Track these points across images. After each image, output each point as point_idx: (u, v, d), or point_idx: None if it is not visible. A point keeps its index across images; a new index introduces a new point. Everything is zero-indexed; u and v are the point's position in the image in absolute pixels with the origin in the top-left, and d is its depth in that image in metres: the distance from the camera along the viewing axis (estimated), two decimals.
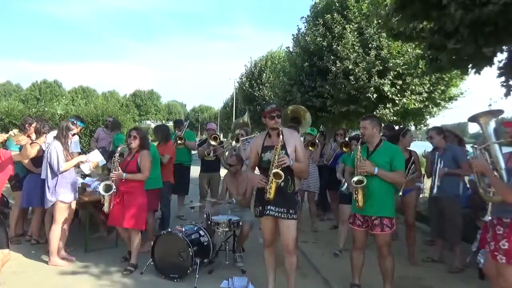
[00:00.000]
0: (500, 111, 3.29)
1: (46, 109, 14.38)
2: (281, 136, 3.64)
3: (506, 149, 3.27)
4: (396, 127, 11.57)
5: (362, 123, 3.98)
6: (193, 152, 7.53)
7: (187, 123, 7.61)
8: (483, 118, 3.19)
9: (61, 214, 4.70)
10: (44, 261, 4.82)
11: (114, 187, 4.51)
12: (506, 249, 2.98)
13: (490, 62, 4.64)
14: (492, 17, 3.83)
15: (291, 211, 3.67)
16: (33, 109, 13.66)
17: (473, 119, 3.29)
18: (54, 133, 5.29)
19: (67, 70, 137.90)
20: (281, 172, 3.52)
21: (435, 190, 4.79)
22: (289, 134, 3.76)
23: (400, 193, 4.66)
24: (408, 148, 5.54)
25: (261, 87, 26.77)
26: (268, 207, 3.70)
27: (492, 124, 3.16)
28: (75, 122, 5.37)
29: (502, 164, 3.07)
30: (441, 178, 4.78)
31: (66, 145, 4.79)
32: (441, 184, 4.78)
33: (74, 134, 5.03)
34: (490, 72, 4.77)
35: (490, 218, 3.18)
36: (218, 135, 6.78)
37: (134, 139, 4.67)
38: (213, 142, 6.57)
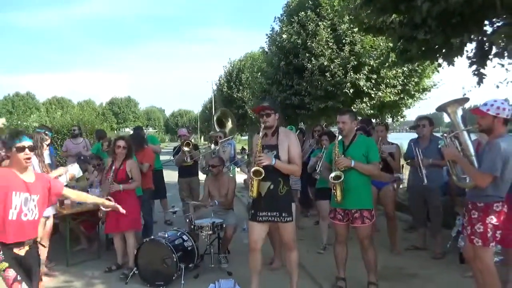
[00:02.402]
0: (466, 99, 3.40)
1: (19, 122, 13.99)
2: (260, 134, 3.66)
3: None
4: (374, 121, 11.77)
5: (341, 118, 3.94)
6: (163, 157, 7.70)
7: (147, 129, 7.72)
8: (450, 107, 3.29)
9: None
10: None
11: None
12: (481, 232, 3.07)
13: (460, 52, 4.75)
14: (458, 8, 3.92)
15: (284, 214, 3.63)
16: (6, 123, 13.27)
17: (441, 108, 3.39)
18: None
19: (40, 81, 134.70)
20: (261, 170, 3.51)
21: (425, 181, 4.75)
22: (283, 135, 3.73)
23: None
24: (386, 139, 5.64)
25: (240, 88, 26.75)
26: (260, 213, 3.68)
27: (459, 112, 3.25)
28: (46, 132, 5.26)
29: (472, 151, 3.17)
30: (425, 168, 4.84)
31: (42, 157, 4.71)
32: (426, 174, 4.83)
33: (48, 145, 4.95)
34: (463, 62, 4.88)
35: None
36: (190, 141, 6.75)
37: (123, 149, 4.84)
38: (186, 149, 6.49)
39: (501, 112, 3.02)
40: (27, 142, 2.78)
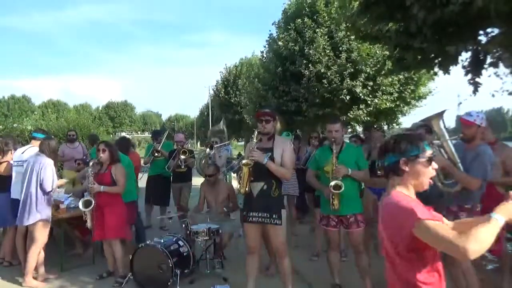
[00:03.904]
0: (443, 111, 3.57)
1: (15, 125, 13.87)
2: (254, 139, 3.70)
3: None
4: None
5: (333, 127, 3.97)
6: None
7: (165, 133, 7.65)
8: (433, 120, 3.48)
9: (43, 234, 4.62)
10: (18, 282, 4.65)
11: (93, 202, 4.50)
12: None
13: (454, 61, 4.81)
14: (453, 17, 3.98)
15: (274, 216, 3.65)
16: (0, 126, 13.17)
17: (425, 122, 3.65)
18: (24, 148, 5.19)
19: (36, 85, 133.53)
20: (250, 162, 3.56)
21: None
22: (279, 140, 3.82)
23: None
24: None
25: (237, 93, 26.82)
26: (251, 213, 3.71)
27: (441, 124, 3.42)
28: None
29: (457, 158, 3.33)
30: None
31: (56, 164, 4.78)
32: None
33: None
34: (458, 70, 4.96)
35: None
36: (186, 149, 6.77)
37: (103, 152, 4.63)
38: (182, 157, 6.55)
39: (483, 123, 3.32)
40: (429, 151, 1.86)
